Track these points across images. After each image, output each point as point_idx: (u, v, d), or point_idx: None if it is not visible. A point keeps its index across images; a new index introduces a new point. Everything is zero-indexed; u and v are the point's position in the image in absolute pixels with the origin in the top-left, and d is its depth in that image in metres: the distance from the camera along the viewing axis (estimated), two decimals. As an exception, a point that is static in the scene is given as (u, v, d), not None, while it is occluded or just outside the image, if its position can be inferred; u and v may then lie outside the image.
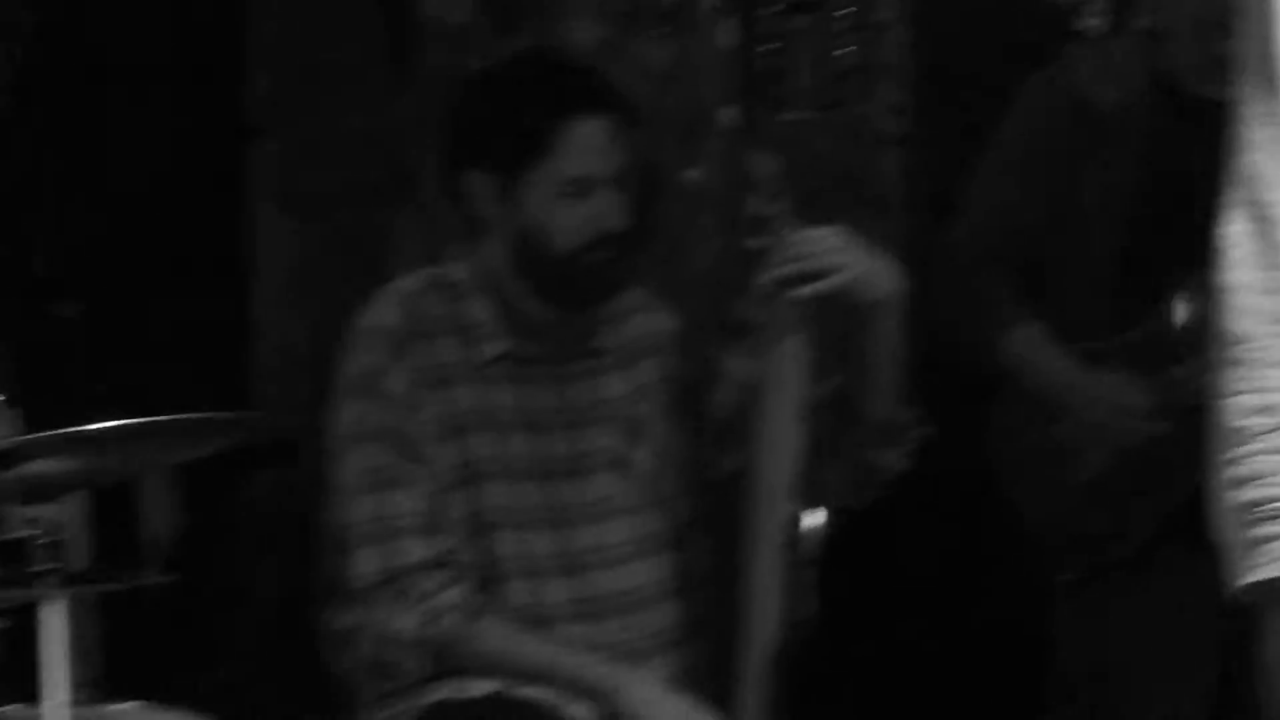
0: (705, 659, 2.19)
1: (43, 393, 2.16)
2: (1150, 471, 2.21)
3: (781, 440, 2.02)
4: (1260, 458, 1.32)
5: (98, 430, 1.61)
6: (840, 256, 1.99)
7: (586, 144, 2.12)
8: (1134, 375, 2.24)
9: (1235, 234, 1.31)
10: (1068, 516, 2.30)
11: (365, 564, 2.03)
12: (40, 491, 1.64)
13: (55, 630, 1.61)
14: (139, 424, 1.64)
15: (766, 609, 1.99)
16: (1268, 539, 1.28)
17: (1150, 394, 2.22)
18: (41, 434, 1.61)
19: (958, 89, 3.04)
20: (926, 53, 2.98)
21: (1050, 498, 2.31)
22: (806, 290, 1.99)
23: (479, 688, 2.05)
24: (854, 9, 2.37)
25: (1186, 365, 2.12)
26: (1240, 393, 1.32)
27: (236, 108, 3.31)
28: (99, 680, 2.50)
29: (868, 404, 2.09)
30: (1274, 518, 1.31)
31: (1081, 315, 2.32)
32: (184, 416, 1.68)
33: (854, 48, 2.37)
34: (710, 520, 2.24)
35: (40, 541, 1.61)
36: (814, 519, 2.00)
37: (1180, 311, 2.21)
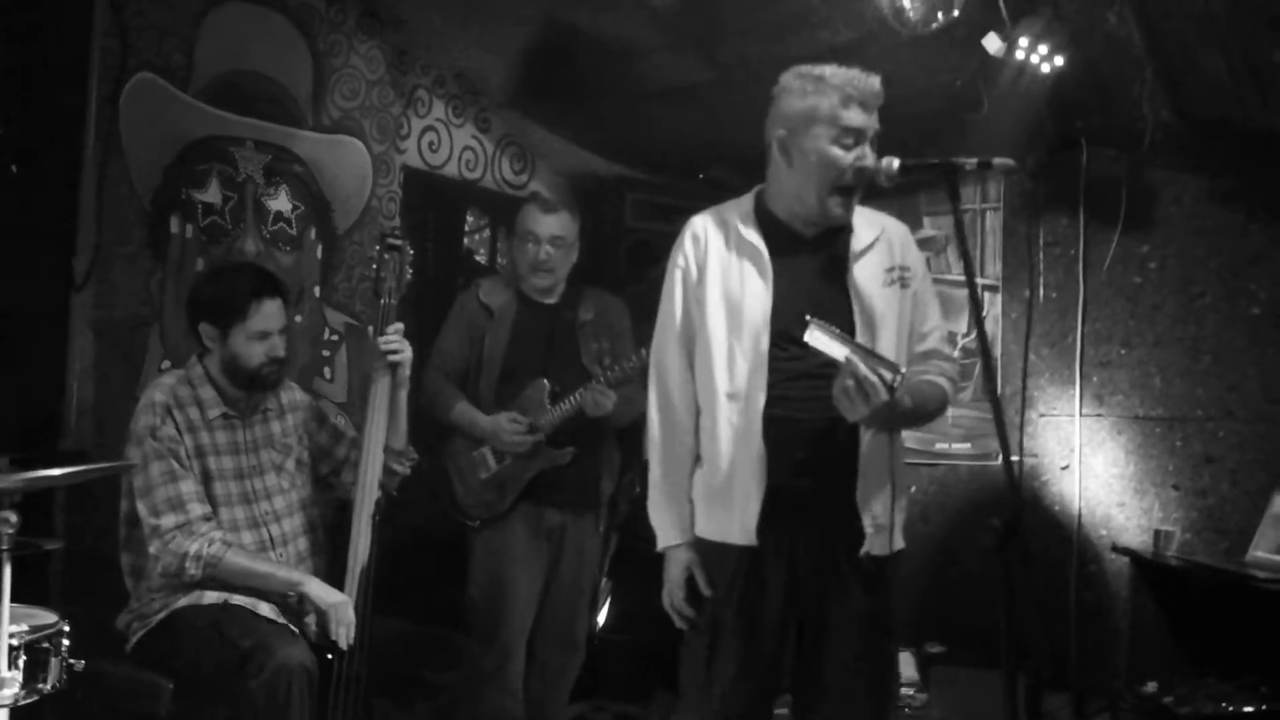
0: (324, 570, 4.23)
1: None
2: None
3: (374, 447, 4.17)
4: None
5: None
6: (403, 345, 4.21)
7: (267, 312, 4.07)
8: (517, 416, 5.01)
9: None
10: (477, 494, 5.00)
11: (167, 519, 3.90)
12: None
13: None
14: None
15: (359, 547, 4.06)
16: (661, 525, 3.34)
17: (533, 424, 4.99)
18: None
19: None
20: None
21: (467, 484, 5.02)
22: (392, 358, 4.21)
23: (210, 597, 3.93)
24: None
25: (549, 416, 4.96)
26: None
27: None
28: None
29: (394, 438, 4.25)
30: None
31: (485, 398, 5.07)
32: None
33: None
34: (327, 498, 4.40)
35: None
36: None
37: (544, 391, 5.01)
